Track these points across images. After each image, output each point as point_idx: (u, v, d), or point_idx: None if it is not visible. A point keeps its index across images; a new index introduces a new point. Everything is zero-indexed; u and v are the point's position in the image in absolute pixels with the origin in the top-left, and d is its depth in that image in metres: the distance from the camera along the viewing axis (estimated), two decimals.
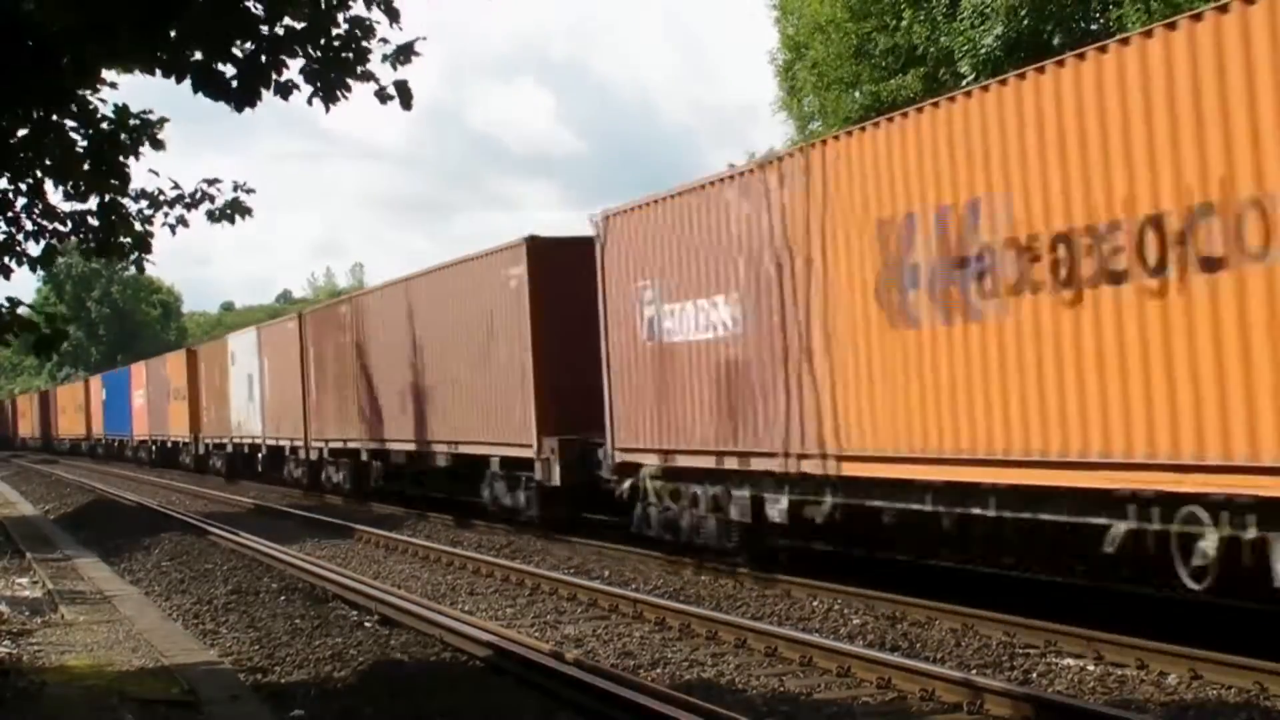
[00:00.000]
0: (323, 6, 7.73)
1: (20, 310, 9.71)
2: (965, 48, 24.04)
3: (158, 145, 9.27)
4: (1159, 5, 20.61)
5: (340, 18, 7.76)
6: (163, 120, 9.23)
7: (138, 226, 9.60)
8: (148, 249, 9.70)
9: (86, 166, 9.12)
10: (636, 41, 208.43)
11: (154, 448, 50.36)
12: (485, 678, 10.55)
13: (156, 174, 9.76)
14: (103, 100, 9.02)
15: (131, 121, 9.14)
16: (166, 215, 9.66)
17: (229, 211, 9.48)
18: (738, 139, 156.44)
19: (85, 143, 9.09)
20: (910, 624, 12.08)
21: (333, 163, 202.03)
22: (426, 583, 16.36)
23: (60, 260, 10.51)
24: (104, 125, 9.14)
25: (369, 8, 7.79)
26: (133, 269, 9.98)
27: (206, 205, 9.54)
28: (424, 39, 7.98)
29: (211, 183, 9.49)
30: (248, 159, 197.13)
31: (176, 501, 32.25)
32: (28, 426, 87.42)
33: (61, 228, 9.75)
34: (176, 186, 9.62)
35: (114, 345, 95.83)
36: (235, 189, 9.50)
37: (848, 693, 9.73)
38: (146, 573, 18.31)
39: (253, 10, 7.50)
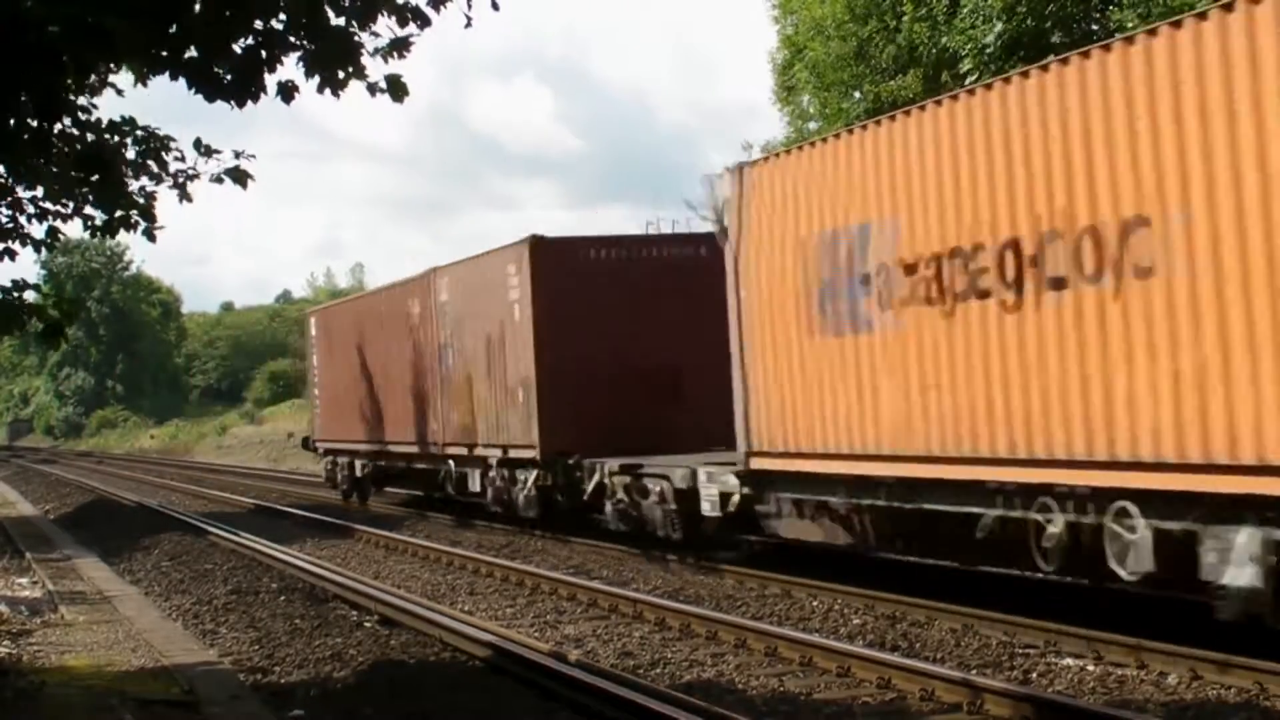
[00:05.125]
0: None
1: (27, 295, 9.69)
2: (967, 46, 24.01)
3: (163, 165, 9.30)
4: (1158, 9, 20.58)
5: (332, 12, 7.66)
6: (169, 138, 9.25)
7: (140, 201, 9.58)
8: (153, 219, 9.68)
9: (79, 173, 9.09)
10: (635, 40, 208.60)
11: None
12: (485, 678, 10.55)
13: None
14: (102, 108, 9.02)
15: (127, 128, 9.13)
16: (171, 186, 9.65)
17: (230, 175, 9.40)
18: (737, 138, 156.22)
19: (87, 146, 9.07)
20: (910, 624, 12.09)
21: (333, 162, 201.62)
22: (426, 583, 16.36)
23: (60, 260, 10.54)
24: (107, 136, 9.11)
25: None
26: (133, 268, 10.00)
27: (210, 170, 9.47)
28: (417, 34, 7.90)
29: (211, 153, 9.43)
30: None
31: (176, 501, 32.24)
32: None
33: (63, 210, 9.74)
34: (181, 158, 9.61)
35: (114, 345, 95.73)
36: (236, 156, 9.48)
37: (848, 693, 9.73)
38: (146, 573, 18.31)
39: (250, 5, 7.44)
